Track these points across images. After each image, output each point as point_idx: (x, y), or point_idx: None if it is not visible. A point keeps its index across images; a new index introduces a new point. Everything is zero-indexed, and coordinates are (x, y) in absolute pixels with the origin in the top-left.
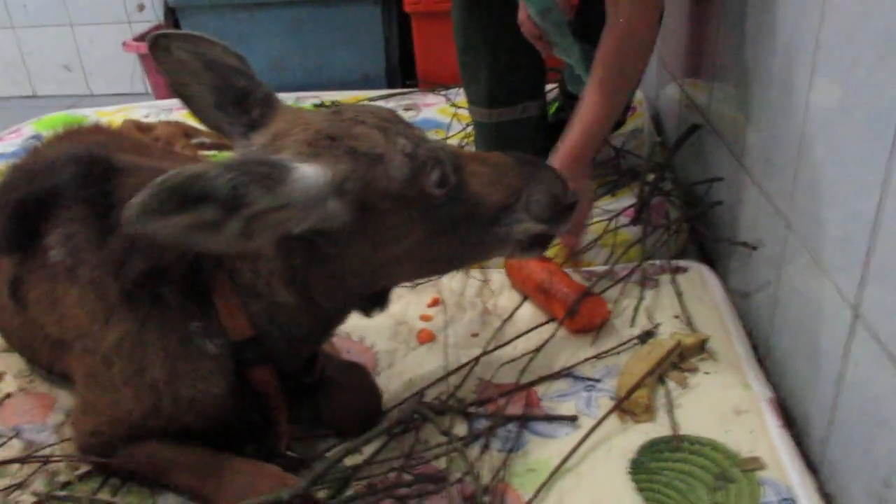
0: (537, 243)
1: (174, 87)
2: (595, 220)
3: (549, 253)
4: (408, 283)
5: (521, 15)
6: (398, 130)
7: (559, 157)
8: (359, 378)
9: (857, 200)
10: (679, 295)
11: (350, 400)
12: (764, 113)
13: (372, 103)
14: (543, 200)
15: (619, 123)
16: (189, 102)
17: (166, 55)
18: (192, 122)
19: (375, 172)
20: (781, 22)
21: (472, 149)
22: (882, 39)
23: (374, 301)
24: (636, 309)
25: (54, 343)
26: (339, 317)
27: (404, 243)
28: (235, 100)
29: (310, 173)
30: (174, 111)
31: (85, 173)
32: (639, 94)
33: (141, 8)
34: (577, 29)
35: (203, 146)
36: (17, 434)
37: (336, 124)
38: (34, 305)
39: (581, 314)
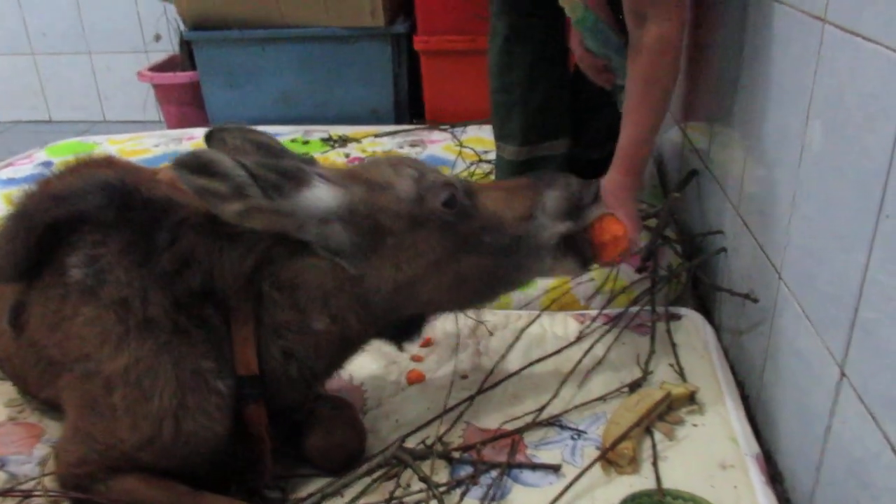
0: (573, 249)
1: None
2: (597, 266)
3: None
4: (451, 312)
5: (579, 52)
6: (408, 164)
7: (609, 180)
8: (346, 414)
9: (846, 258)
10: (672, 344)
11: (337, 435)
12: (760, 163)
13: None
14: (559, 197)
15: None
16: None
17: (221, 145)
18: None
19: (386, 197)
20: (777, 75)
21: None
22: (870, 100)
23: (407, 330)
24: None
25: (48, 365)
26: (359, 345)
27: (424, 261)
28: None
29: (323, 195)
30: (184, 141)
31: (121, 201)
32: None
33: (158, 38)
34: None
35: None
36: (2, 465)
37: (357, 167)
38: (36, 324)
39: (595, 228)
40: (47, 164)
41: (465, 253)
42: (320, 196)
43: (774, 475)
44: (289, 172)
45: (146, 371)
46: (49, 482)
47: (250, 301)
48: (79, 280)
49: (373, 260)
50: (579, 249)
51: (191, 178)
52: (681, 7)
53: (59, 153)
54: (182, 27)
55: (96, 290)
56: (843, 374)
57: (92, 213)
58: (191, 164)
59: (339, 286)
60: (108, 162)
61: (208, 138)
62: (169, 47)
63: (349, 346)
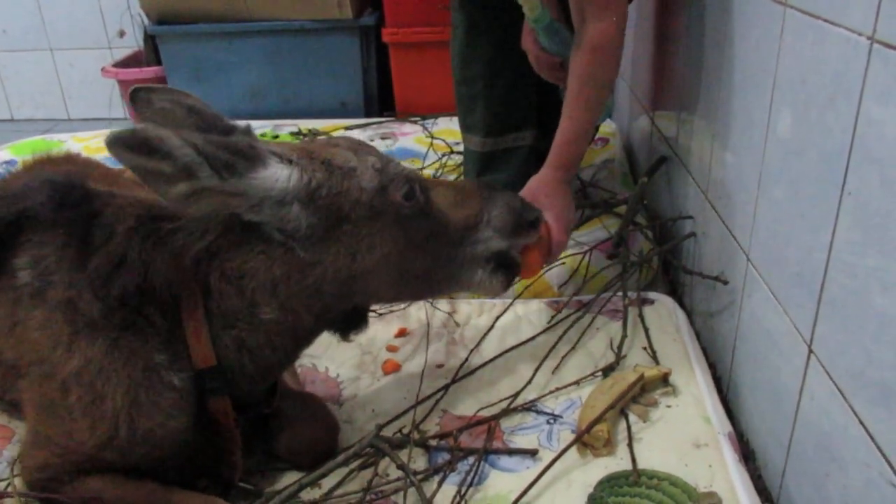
0: (504, 266)
1: None
2: (570, 253)
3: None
4: (386, 304)
5: (535, 51)
6: (368, 151)
7: (541, 175)
8: (314, 410)
9: (811, 237)
10: (645, 328)
11: (305, 432)
12: (726, 148)
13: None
14: (503, 215)
15: None
16: None
17: (147, 106)
18: None
19: (349, 184)
20: (740, 60)
21: (452, 178)
22: (832, 81)
23: (352, 321)
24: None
25: (8, 369)
26: (311, 337)
27: (378, 253)
28: (221, 135)
29: (281, 175)
30: None
31: (61, 198)
32: (612, 126)
33: (122, 34)
34: None
35: None
36: None
37: (314, 145)
38: None
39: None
40: (10, 162)
41: (414, 249)
42: (277, 176)
43: (747, 453)
44: (241, 150)
45: (98, 371)
46: (20, 483)
47: (198, 294)
48: (27, 283)
49: (327, 246)
50: (509, 269)
51: (129, 157)
52: (618, 5)
53: (23, 151)
54: (146, 22)
55: (44, 293)
56: (810, 352)
57: (34, 211)
58: (129, 141)
59: (287, 273)
60: (68, 159)
61: (133, 98)
62: (133, 43)
63: (301, 337)
